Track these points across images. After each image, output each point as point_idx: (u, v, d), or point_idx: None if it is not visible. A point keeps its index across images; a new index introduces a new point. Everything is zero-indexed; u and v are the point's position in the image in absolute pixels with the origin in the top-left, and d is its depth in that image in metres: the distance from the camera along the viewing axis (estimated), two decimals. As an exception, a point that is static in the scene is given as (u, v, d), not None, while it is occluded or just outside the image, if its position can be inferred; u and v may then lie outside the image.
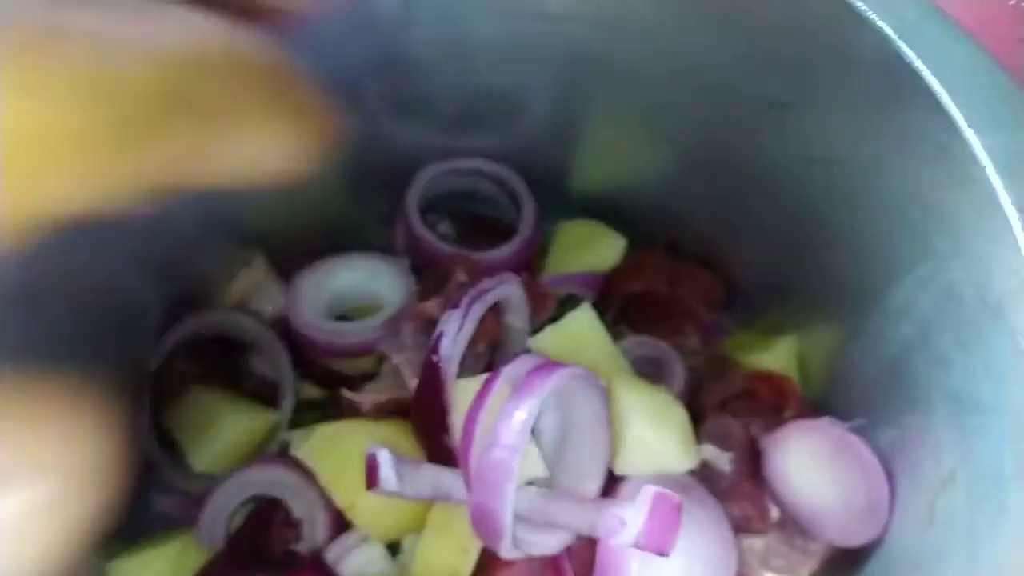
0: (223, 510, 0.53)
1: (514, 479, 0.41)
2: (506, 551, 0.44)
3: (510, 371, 0.45)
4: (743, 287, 0.68)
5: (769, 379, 0.63)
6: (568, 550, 0.52)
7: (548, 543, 0.47)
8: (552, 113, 0.65)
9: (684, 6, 0.50)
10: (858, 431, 0.56)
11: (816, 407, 0.62)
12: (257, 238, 0.68)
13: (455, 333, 0.48)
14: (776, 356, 0.64)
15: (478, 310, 0.48)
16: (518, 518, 0.44)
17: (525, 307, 0.56)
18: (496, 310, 0.57)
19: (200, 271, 0.64)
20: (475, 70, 0.61)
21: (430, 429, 0.48)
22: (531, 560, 0.50)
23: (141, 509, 0.61)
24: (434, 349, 0.47)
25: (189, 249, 0.61)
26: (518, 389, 0.42)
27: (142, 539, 0.56)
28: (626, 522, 0.47)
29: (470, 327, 0.48)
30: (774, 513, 0.58)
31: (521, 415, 0.42)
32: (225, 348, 0.65)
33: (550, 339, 0.55)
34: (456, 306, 0.48)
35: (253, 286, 0.67)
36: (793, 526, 0.58)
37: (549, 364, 0.45)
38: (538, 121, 0.67)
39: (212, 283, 0.66)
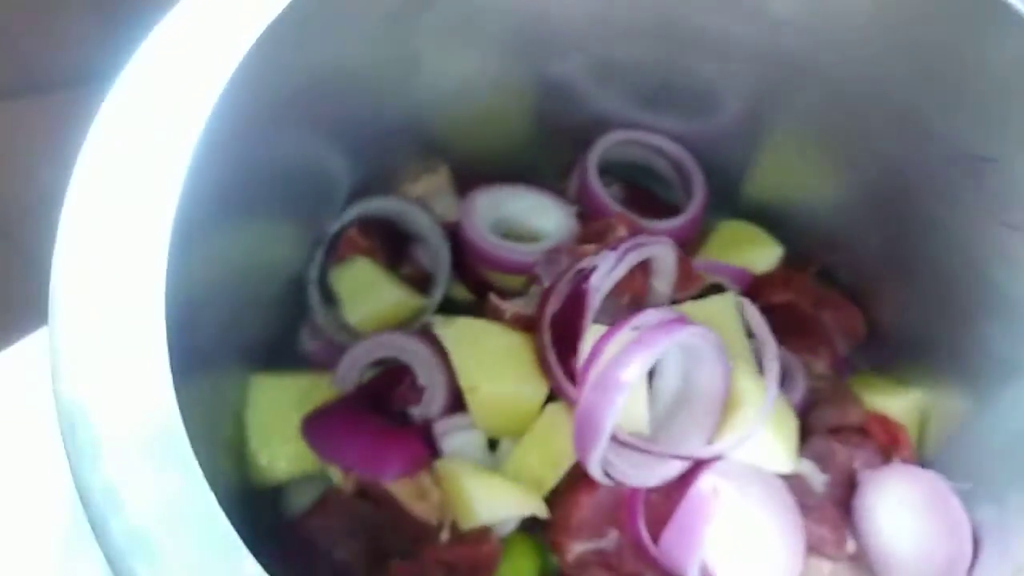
0: (360, 360, 0.60)
1: (624, 396, 0.45)
2: (594, 466, 0.48)
3: (644, 318, 0.49)
4: (885, 330, 0.68)
5: (885, 423, 0.63)
6: (646, 499, 0.55)
7: (636, 476, 0.50)
8: (745, 112, 0.67)
9: (898, 38, 0.50)
10: (960, 493, 0.55)
11: (925, 463, 0.62)
12: (446, 151, 0.74)
13: (608, 270, 0.52)
14: (900, 405, 0.64)
15: (632, 258, 0.52)
16: (616, 443, 0.48)
17: (673, 274, 0.59)
18: (646, 271, 0.60)
19: (391, 166, 0.71)
20: (684, 54, 0.64)
21: (561, 347, 0.52)
22: (610, 493, 0.54)
23: (292, 345, 0.69)
24: (585, 278, 0.51)
25: (386, 145, 0.68)
26: (649, 331, 0.46)
27: (285, 366, 0.64)
28: (718, 491, 0.50)
29: (621, 269, 0.52)
30: (851, 546, 0.58)
31: (646, 351, 0.45)
32: (394, 235, 0.71)
33: (689, 310, 0.58)
34: (614, 248, 0.52)
35: (433, 190, 0.73)
36: (865, 564, 0.58)
37: (682, 319, 0.48)
38: (730, 116, 0.69)
39: (397, 178, 0.72)
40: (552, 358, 0.52)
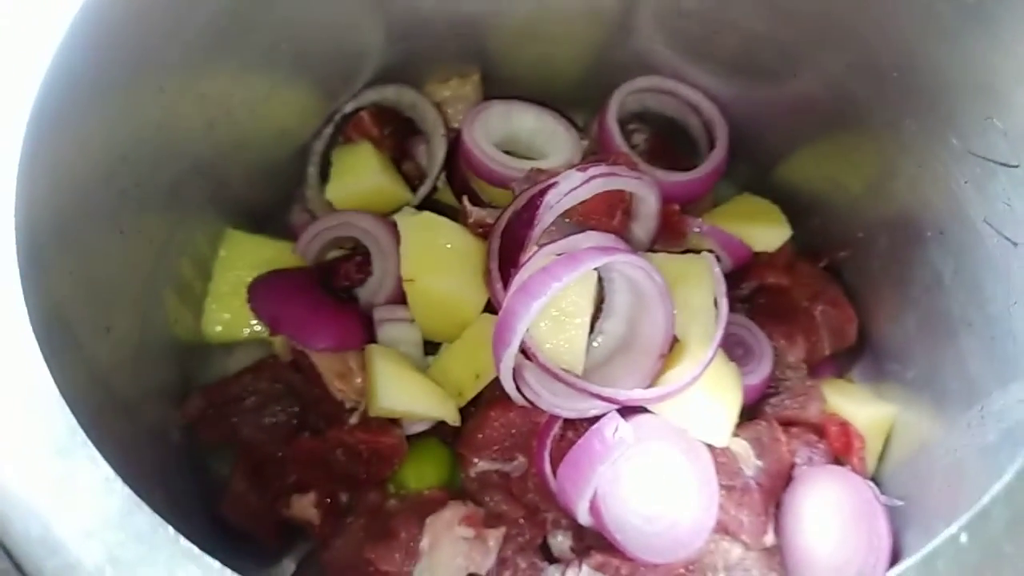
0: (323, 235, 0.60)
1: (544, 300, 0.43)
2: (506, 373, 0.46)
3: (583, 239, 0.46)
4: (876, 341, 0.64)
5: (845, 429, 0.59)
6: (562, 435, 0.53)
7: (550, 402, 0.49)
8: (782, 79, 0.63)
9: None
10: (892, 511, 0.52)
11: (876, 478, 0.58)
12: (483, 59, 0.72)
13: (568, 188, 0.49)
14: (869, 416, 0.59)
15: (599, 184, 0.49)
16: (543, 370, 0.46)
17: (654, 220, 0.56)
18: (630, 214, 0.58)
19: (423, 57, 0.69)
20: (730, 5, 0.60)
21: (504, 256, 0.51)
22: (523, 418, 0.52)
23: (285, 217, 0.69)
24: (543, 192, 0.49)
25: (423, 31, 0.66)
26: (585, 250, 0.43)
27: (267, 233, 0.64)
28: (621, 433, 0.47)
29: (584, 191, 0.49)
30: (769, 538, 0.55)
31: (574, 264, 0.43)
32: (404, 131, 0.70)
33: (660, 260, 0.55)
34: (582, 170, 0.50)
35: (456, 95, 0.72)
36: (777, 560, 0.55)
37: (622, 248, 0.45)
38: (767, 81, 0.65)
39: (427, 74, 0.71)
40: (494, 265, 0.51)
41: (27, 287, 0.36)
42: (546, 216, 0.49)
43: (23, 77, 0.39)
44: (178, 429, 0.58)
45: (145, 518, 0.26)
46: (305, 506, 0.56)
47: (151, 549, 0.26)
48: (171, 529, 0.26)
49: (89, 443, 0.28)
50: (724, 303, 0.53)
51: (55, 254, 0.43)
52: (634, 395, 0.49)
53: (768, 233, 0.66)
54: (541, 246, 0.49)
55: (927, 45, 0.50)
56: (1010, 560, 0.28)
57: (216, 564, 0.26)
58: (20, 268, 0.35)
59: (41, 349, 0.33)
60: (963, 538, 0.29)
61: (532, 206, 0.49)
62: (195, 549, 0.26)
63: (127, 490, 0.27)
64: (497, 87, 0.72)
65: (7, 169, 0.36)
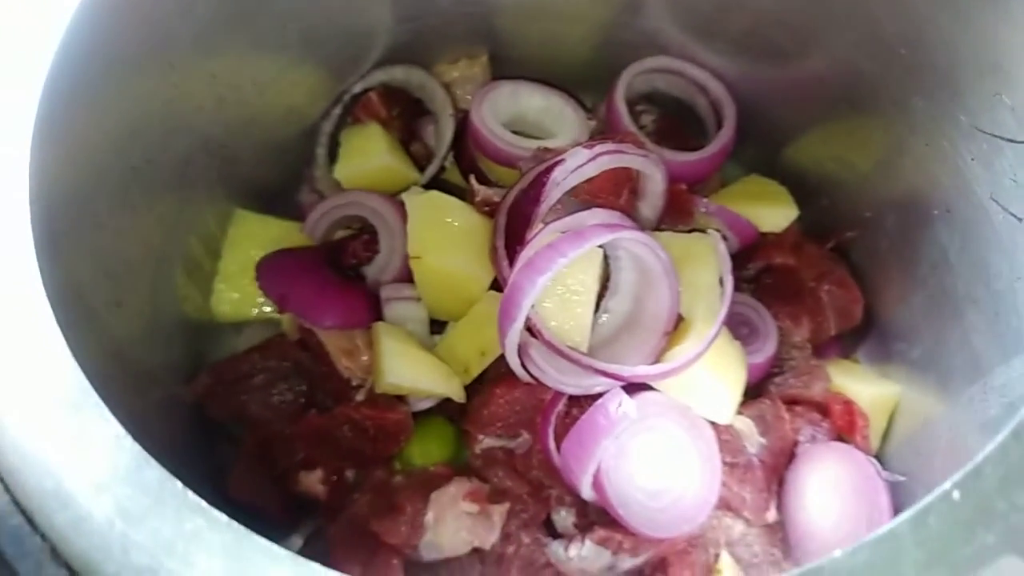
0: (331, 213, 0.60)
1: (548, 277, 0.43)
2: (510, 349, 0.47)
3: (588, 216, 0.46)
4: (883, 322, 0.64)
5: (848, 407, 0.59)
6: (566, 412, 0.53)
7: (555, 379, 0.49)
8: (788, 57, 0.63)
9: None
10: (895, 486, 0.52)
11: (881, 455, 0.58)
12: (492, 40, 0.72)
13: (574, 165, 0.49)
14: (873, 395, 0.59)
15: (606, 161, 0.49)
16: (548, 347, 0.46)
17: (661, 199, 0.56)
18: (637, 193, 0.58)
19: (431, 38, 0.69)
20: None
21: (510, 233, 0.51)
22: (528, 395, 0.53)
23: (293, 197, 0.69)
24: (549, 169, 0.49)
25: (431, 16, 0.66)
26: (590, 227, 0.43)
27: (276, 212, 0.65)
28: (624, 408, 0.48)
29: (590, 169, 0.49)
30: (771, 515, 0.55)
31: (579, 241, 0.43)
32: (413, 112, 0.70)
33: (666, 238, 0.55)
34: (589, 148, 0.50)
35: (466, 77, 0.72)
36: (780, 536, 0.55)
37: (627, 224, 0.45)
38: (774, 61, 0.64)
39: (435, 55, 0.71)
40: (500, 242, 0.51)
41: (41, 258, 0.36)
42: (553, 193, 0.49)
43: (36, 53, 0.40)
44: (188, 406, 0.59)
45: (154, 473, 0.27)
46: (312, 482, 0.56)
47: (158, 502, 0.26)
48: (179, 483, 0.27)
49: (100, 402, 0.28)
50: (729, 281, 0.53)
51: (68, 227, 0.43)
52: (638, 371, 0.49)
53: (775, 213, 0.66)
54: (547, 223, 0.49)
55: (937, 22, 0.50)
56: (1002, 516, 0.28)
57: (223, 517, 0.27)
58: (35, 240, 0.36)
59: (55, 317, 0.33)
60: (955, 495, 0.29)
61: (539, 183, 0.49)
62: (203, 503, 0.26)
63: (136, 446, 0.27)
64: (506, 67, 0.72)
65: (22, 143, 0.36)
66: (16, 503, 0.27)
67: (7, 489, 0.27)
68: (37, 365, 0.30)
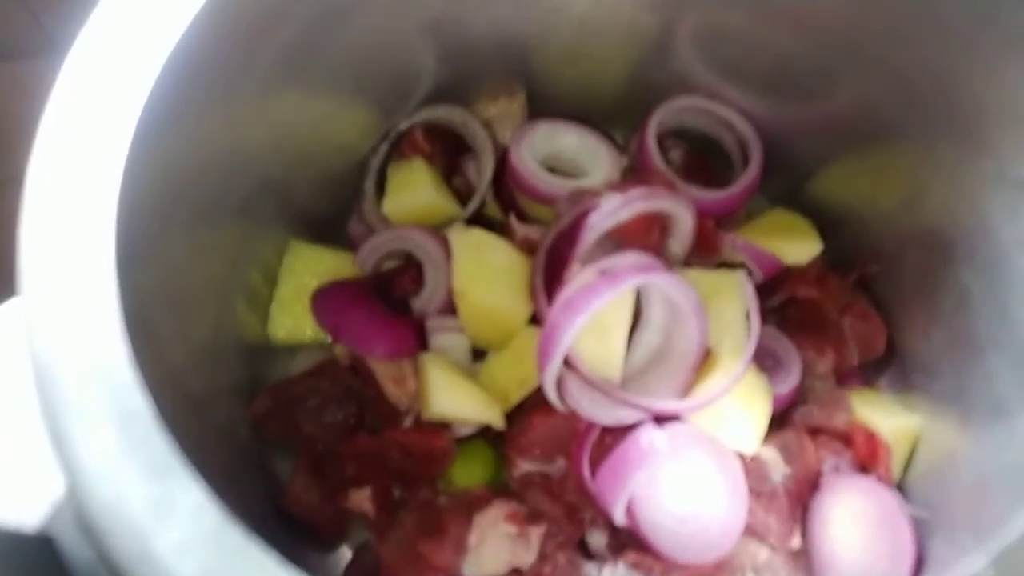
0: (380, 247, 0.61)
1: (586, 316, 0.44)
2: (549, 383, 0.48)
3: (621, 259, 0.47)
4: (905, 353, 0.63)
5: (870, 438, 0.59)
6: (600, 439, 0.54)
7: (590, 411, 0.50)
8: (813, 97, 0.63)
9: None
10: (917, 521, 0.52)
11: (903, 487, 0.58)
12: (529, 80, 0.73)
13: (610, 210, 0.50)
14: (894, 426, 0.59)
15: (639, 206, 0.50)
16: (582, 380, 0.47)
17: (689, 237, 0.57)
18: (664, 230, 0.58)
19: (472, 77, 0.70)
20: (762, 26, 0.60)
21: (549, 273, 0.52)
22: (564, 423, 0.54)
23: (344, 227, 0.71)
24: (585, 213, 0.50)
25: (471, 58, 0.68)
26: (623, 269, 0.44)
27: (328, 243, 0.66)
28: (656, 443, 0.48)
29: (625, 213, 0.50)
30: (796, 542, 0.56)
31: (614, 283, 0.44)
32: (455, 148, 0.72)
33: (693, 276, 0.56)
34: (623, 192, 0.51)
35: (505, 114, 0.73)
36: (804, 563, 0.56)
37: (657, 266, 0.46)
38: (800, 100, 0.65)
39: (476, 93, 0.72)
40: (539, 282, 0.52)
41: (120, 298, 0.38)
42: (589, 236, 0.50)
43: (129, 102, 0.41)
44: (246, 426, 0.61)
45: (234, 535, 0.28)
46: (361, 499, 0.58)
47: (238, 563, 0.28)
48: (256, 547, 0.28)
49: (183, 468, 0.30)
50: (756, 318, 0.53)
51: (140, 269, 0.45)
52: (668, 406, 0.50)
53: (799, 247, 0.66)
54: (584, 264, 0.50)
55: (963, 72, 0.49)
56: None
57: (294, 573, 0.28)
58: (117, 287, 0.38)
59: (129, 354, 0.35)
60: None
61: (575, 227, 0.50)
62: (278, 563, 0.28)
63: (217, 511, 0.29)
64: (542, 104, 0.73)
65: (110, 197, 0.38)
66: (104, 561, 0.28)
67: (97, 546, 0.29)
68: (123, 424, 0.31)
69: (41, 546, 0.29)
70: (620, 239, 0.53)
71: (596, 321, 0.52)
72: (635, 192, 0.51)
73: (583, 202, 0.57)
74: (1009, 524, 0.39)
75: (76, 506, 0.30)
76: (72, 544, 0.29)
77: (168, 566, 0.28)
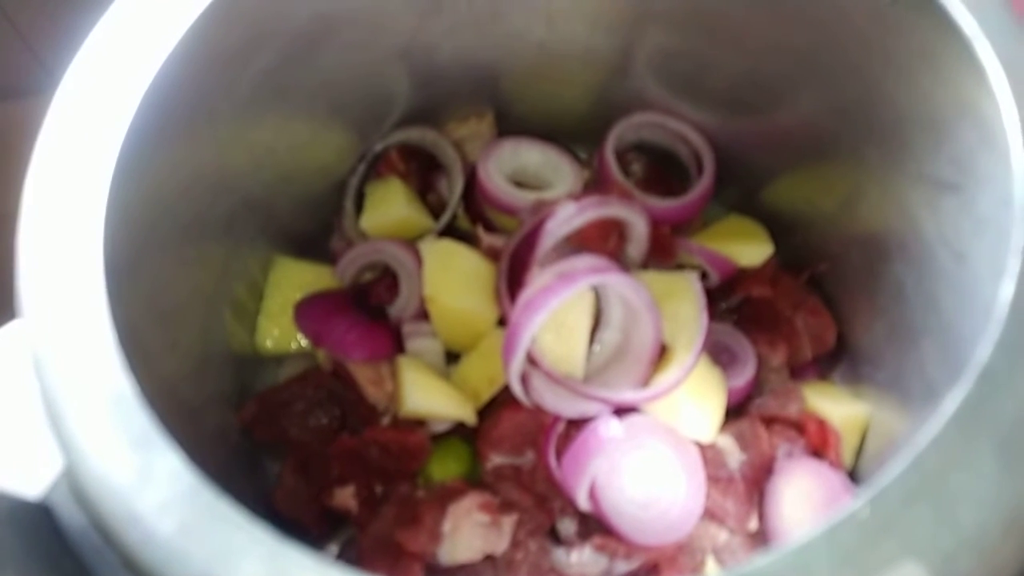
0: (358, 259, 0.64)
1: (544, 315, 0.47)
2: (514, 378, 0.50)
3: (577, 261, 0.50)
4: (852, 346, 0.66)
5: (821, 426, 0.61)
6: (565, 431, 0.56)
7: (554, 404, 0.52)
8: (762, 111, 0.66)
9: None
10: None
11: (856, 472, 0.60)
12: (496, 102, 0.76)
13: (566, 217, 0.52)
14: (843, 415, 0.61)
15: (593, 213, 0.53)
16: (547, 377, 0.49)
17: (645, 242, 0.59)
18: (623, 236, 0.61)
19: (443, 101, 0.73)
20: (711, 45, 0.63)
21: (511, 277, 0.54)
22: (532, 418, 0.56)
23: (325, 243, 0.73)
24: (543, 221, 0.53)
25: (442, 82, 0.70)
26: (578, 271, 0.47)
27: (310, 258, 0.69)
28: (612, 431, 0.50)
29: (579, 220, 0.53)
30: (753, 524, 0.58)
31: (569, 284, 0.46)
32: (428, 166, 0.74)
33: (649, 278, 0.58)
34: (577, 200, 0.53)
35: (473, 133, 0.75)
36: (762, 544, 0.58)
37: (611, 267, 0.48)
38: (750, 116, 0.67)
39: (447, 115, 0.75)
40: (503, 285, 0.54)
41: (111, 312, 0.40)
42: (547, 241, 0.52)
43: (113, 130, 0.44)
44: (236, 431, 0.62)
45: (207, 496, 0.31)
46: (346, 497, 0.59)
47: (211, 521, 0.30)
48: (226, 505, 0.31)
49: (161, 439, 0.32)
50: (703, 315, 0.56)
51: (129, 281, 0.47)
52: (626, 397, 0.52)
53: (753, 250, 0.69)
54: (543, 267, 0.53)
55: (884, 84, 0.53)
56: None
57: (264, 531, 0.30)
58: (106, 296, 0.40)
59: (122, 363, 0.37)
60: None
61: (534, 233, 0.53)
62: (246, 520, 0.30)
63: (192, 476, 0.31)
64: (509, 123, 0.76)
65: (98, 218, 0.41)
66: (95, 524, 0.31)
67: (89, 512, 0.31)
68: (111, 409, 0.34)
69: (41, 514, 0.32)
70: (580, 245, 0.56)
71: (559, 322, 0.54)
72: (588, 200, 0.53)
73: (543, 211, 0.59)
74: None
75: (71, 480, 0.33)
76: (68, 512, 0.32)
77: (150, 524, 0.30)
